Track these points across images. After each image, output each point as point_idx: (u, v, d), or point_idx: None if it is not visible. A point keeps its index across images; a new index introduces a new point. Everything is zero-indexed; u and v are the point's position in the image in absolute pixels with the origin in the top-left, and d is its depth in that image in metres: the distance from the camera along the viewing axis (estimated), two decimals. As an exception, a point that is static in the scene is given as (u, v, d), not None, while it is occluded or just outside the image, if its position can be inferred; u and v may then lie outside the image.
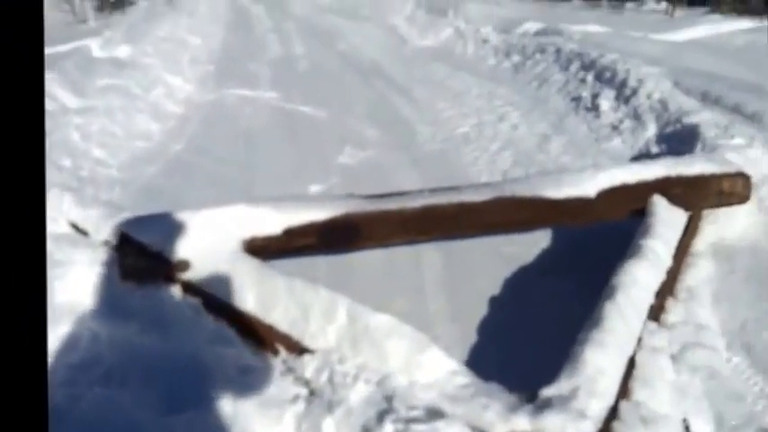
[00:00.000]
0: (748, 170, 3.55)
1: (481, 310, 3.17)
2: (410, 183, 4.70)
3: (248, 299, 2.53)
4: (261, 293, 2.51)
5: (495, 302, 3.23)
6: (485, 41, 9.09)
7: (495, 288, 3.35)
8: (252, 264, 2.63)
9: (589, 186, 3.12)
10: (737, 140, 3.99)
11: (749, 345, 2.77)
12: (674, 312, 2.85)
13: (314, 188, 4.58)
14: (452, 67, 8.30)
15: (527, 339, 2.92)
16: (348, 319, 2.32)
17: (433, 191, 3.13)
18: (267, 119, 6.22)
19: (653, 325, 2.56)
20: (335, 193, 4.53)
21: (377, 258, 3.41)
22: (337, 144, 5.51)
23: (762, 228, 3.54)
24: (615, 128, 5.34)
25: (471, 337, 2.97)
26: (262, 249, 2.77)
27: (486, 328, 3.03)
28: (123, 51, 7.16)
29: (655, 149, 4.85)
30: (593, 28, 8.58)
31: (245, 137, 5.66)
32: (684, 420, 2.28)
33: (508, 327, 3.03)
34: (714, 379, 2.53)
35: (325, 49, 9.79)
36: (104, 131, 5.11)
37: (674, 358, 2.58)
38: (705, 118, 4.63)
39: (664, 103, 5.18)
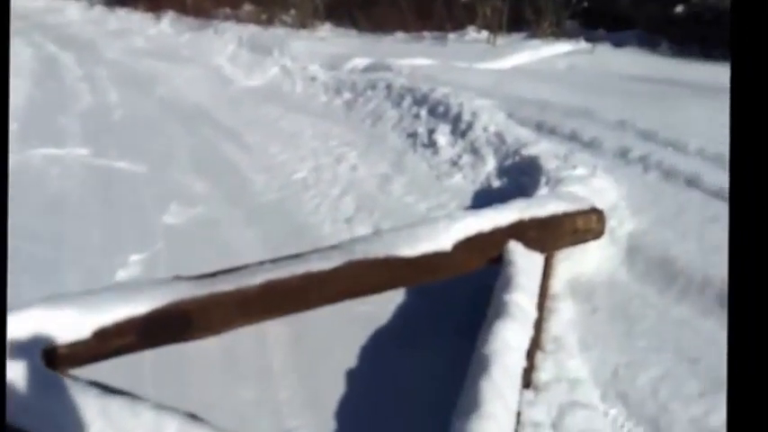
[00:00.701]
0: (595, 201, 3.46)
1: (338, 389, 2.80)
2: (247, 240, 4.30)
3: (53, 427, 2.02)
4: (69, 419, 2.02)
5: (352, 377, 2.89)
6: (313, 79, 8.84)
7: (350, 359, 3.00)
8: (56, 381, 2.12)
9: (444, 239, 2.87)
10: (580, 171, 3.92)
11: (624, 393, 2.62)
12: (544, 369, 2.65)
13: (134, 257, 4.03)
14: (282, 107, 7.95)
15: (393, 421, 2.61)
16: (180, 446, 1.89)
17: (275, 261, 2.74)
18: (78, 180, 5.54)
19: (529, 394, 2.32)
20: (162, 260, 4.04)
21: (213, 341, 2.96)
22: (161, 202, 4.97)
23: (616, 259, 3.45)
24: (455, 163, 5.21)
25: (330, 427, 2.60)
26: (67, 359, 2.26)
27: (345, 413, 2.67)
28: None
29: (496, 183, 4.74)
30: (421, 61, 8.56)
31: (52, 204, 4.98)
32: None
33: (370, 408, 2.69)
34: (597, 440, 2.33)
35: (143, 96, 9.11)
36: None
37: (555, 426, 2.36)
38: (543, 148, 4.57)
39: (500, 136, 5.10)
